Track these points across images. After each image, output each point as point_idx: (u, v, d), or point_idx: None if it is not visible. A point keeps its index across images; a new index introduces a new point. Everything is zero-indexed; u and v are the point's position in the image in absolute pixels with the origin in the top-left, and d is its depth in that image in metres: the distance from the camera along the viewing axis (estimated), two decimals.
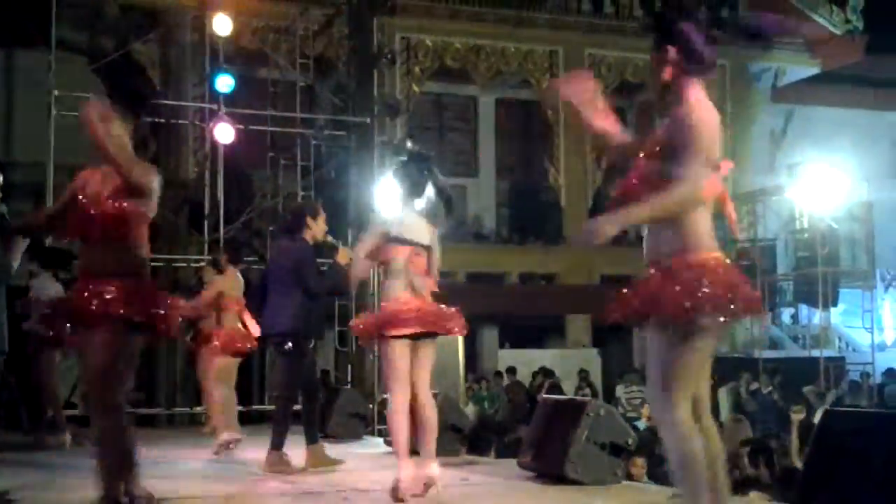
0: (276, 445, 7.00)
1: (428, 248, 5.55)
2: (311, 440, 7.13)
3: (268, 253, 10.24)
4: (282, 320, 7.00)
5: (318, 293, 6.96)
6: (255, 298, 7.74)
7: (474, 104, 22.12)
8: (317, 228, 7.07)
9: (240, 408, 8.78)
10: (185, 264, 13.81)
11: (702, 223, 3.55)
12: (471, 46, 19.86)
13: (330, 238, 7.27)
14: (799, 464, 7.48)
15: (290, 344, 6.91)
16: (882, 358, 19.29)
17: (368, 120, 13.48)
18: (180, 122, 15.21)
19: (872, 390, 17.52)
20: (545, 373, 16.97)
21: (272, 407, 8.24)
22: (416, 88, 19.43)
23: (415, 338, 5.42)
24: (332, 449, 7.54)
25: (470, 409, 14.02)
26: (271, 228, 15.06)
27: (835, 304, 17.88)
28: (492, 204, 21.94)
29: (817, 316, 18.08)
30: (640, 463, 7.92)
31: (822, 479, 4.26)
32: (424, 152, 5.83)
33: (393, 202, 5.68)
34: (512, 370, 17.43)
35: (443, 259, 5.74)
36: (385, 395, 11.07)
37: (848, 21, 21.58)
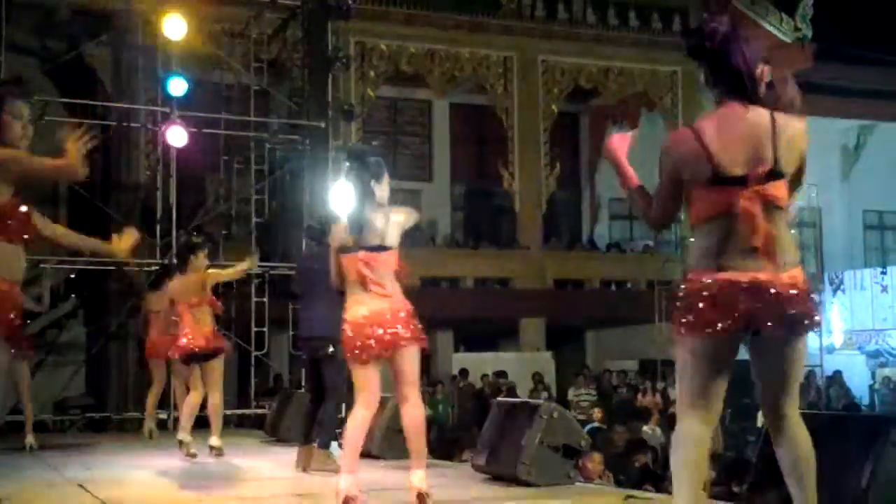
0: (325, 445, 7.15)
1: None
2: (324, 444, 7.18)
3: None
4: (319, 325, 7.04)
5: None
6: (286, 303, 7.71)
7: (429, 109, 22.18)
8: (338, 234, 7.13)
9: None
10: (136, 268, 13.68)
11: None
12: (425, 51, 19.91)
13: None
14: None
15: (331, 348, 6.95)
16: (830, 360, 19.62)
17: (323, 124, 13.45)
18: (132, 125, 15.08)
19: (820, 392, 17.82)
20: (499, 375, 17.12)
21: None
22: (370, 93, 19.43)
23: None
24: (286, 453, 7.54)
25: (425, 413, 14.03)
26: (224, 233, 15.02)
27: None
28: (446, 208, 22.02)
29: None
30: (597, 459, 8.00)
31: (769, 480, 4.33)
32: (365, 153, 5.63)
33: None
34: (464, 373, 17.50)
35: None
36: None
37: (797, 29, 21.92)
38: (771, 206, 3.42)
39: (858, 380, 20.29)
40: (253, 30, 14.83)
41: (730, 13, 21.42)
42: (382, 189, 5.36)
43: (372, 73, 19.45)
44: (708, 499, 6.97)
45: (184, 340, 8.11)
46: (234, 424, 12.36)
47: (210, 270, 8.40)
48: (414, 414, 5.29)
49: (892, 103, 24.80)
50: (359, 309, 5.26)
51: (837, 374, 19.22)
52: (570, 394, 16.93)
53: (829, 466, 4.25)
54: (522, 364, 18.64)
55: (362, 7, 18.00)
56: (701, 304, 3.44)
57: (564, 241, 22.52)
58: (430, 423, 12.40)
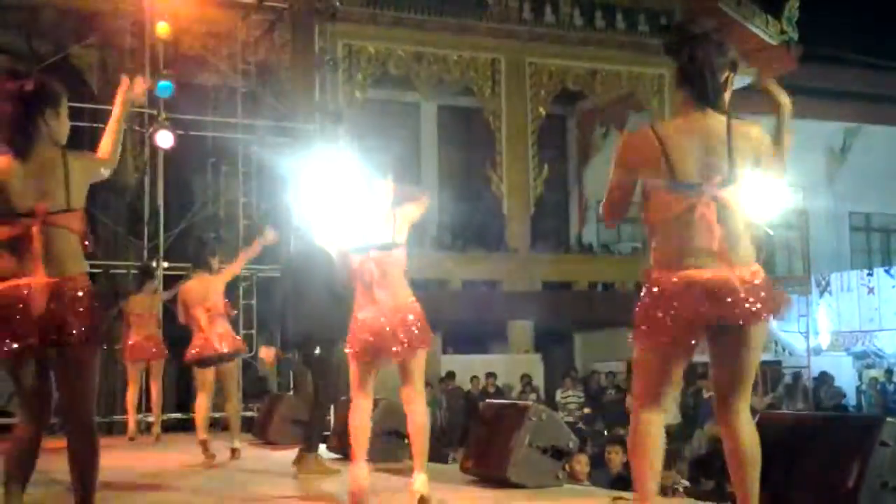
0: (312, 448, 7.11)
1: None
2: (312, 448, 7.15)
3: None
4: (310, 326, 6.98)
5: (343, 294, 6.96)
6: (275, 306, 7.69)
7: (417, 111, 22.17)
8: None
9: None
10: (123, 271, 13.65)
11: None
12: (413, 54, 19.91)
13: None
14: None
15: (318, 349, 6.92)
16: (817, 361, 19.70)
17: (311, 126, 13.44)
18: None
19: (807, 393, 17.89)
20: (489, 376, 17.16)
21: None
22: (358, 95, 19.42)
23: None
24: (273, 456, 7.53)
25: None
26: (213, 235, 14.97)
27: None
28: (434, 210, 21.98)
29: None
30: (583, 461, 8.02)
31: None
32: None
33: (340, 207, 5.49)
34: (451, 375, 17.50)
35: None
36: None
37: (783, 32, 21.99)
38: (725, 210, 3.56)
39: (845, 381, 20.38)
40: (240, 32, 14.81)
41: (712, 16, 21.54)
42: (388, 186, 5.40)
43: (360, 76, 19.44)
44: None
45: (199, 345, 8.12)
46: (221, 427, 12.34)
47: (226, 270, 8.43)
48: (414, 417, 5.31)
49: (877, 105, 24.94)
50: (365, 309, 5.27)
51: (827, 375, 19.31)
52: (558, 395, 16.96)
53: (818, 466, 4.27)
54: (511, 366, 18.66)
55: (350, 9, 18.00)
56: (663, 304, 3.56)
57: (552, 243, 22.55)
58: None
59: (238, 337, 8.61)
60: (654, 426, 3.63)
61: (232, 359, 8.28)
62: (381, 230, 5.31)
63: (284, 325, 7.34)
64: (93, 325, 3.97)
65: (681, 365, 3.68)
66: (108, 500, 5.97)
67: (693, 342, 3.61)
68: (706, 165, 3.56)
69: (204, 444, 8.13)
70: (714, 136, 3.58)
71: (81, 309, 3.94)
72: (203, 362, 8.15)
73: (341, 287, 6.17)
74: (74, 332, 3.90)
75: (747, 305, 3.50)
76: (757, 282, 3.57)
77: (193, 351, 8.11)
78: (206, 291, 8.16)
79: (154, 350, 10.67)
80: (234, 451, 8.32)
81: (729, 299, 3.50)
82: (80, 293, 3.97)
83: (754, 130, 3.65)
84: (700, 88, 3.62)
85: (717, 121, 3.60)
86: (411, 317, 5.24)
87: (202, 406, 8.24)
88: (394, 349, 5.19)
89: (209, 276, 8.24)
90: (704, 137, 3.58)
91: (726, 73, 3.65)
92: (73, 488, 4.06)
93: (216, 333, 8.08)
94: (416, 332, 5.23)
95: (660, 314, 3.56)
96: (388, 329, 5.19)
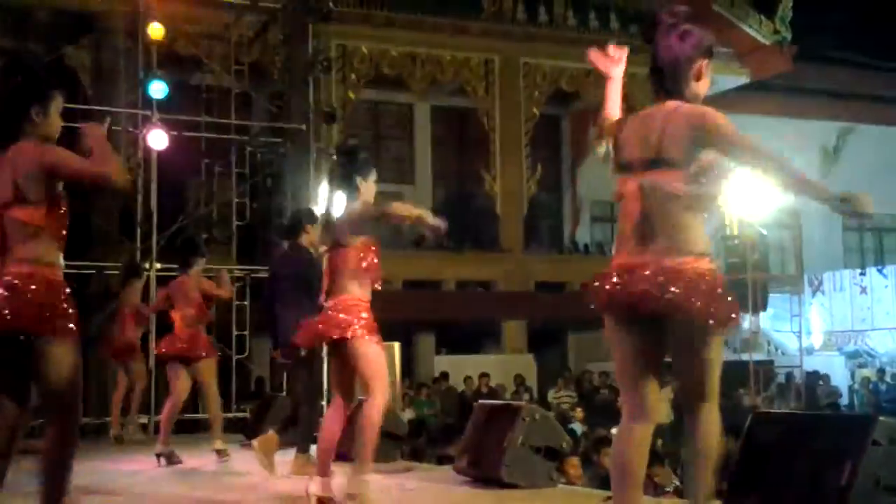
0: (303, 449, 7.06)
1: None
2: (302, 449, 7.14)
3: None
4: (292, 328, 6.99)
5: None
6: (263, 309, 7.76)
7: (410, 112, 22.17)
8: (315, 234, 7.08)
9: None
10: (116, 272, 13.62)
11: None
12: (407, 54, 19.91)
13: None
14: None
15: (304, 352, 6.92)
16: (810, 361, 19.73)
17: (304, 127, 13.42)
18: (112, 127, 15.03)
19: (800, 392, 17.92)
20: (483, 377, 17.16)
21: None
22: (352, 95, 19.41)
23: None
24: None
25: (407, 416, 14.04)
26: (204, 237, 14.95)
27: (764, 309, 18.26)
28: (428, 211, 21.96)
29: (747, 320, 18.44)
30: (575, 463, 8.01)
31: (751, 480, 4.35)
32: (355, 149, 5.65)
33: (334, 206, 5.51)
34: (444, 376, 17.50)
35: (380, 266, 5.56)
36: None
37: (777, 31, 22.04)
38: (654, 192, 3.45)
39: (838, 380, 20.42)
40: (234, 32, 14.78)
41: (705, 16, 21.56)
42: (368, 187, 5.37)
43: (353, 76, 19.44)
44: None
45: (168, 342, 8.21)
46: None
47: (205, 284, 8.50)
48: (361, 413, 5.18)
49: (870, 105, 24.98)
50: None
51: (822, 373, 19.34)
52: (551, 395, 16.96)
53: (811, 465, 4.28)
54: (504, 366, 18.64)
55: (343, 10, 18.01)
56: (602, 293, 3.54)
57: (546, 243, 22.55)
58: (417, 425, 12.47)
59: (207, 341, 8.50)
60: (635, 440, 3.50)
61: (199, 358, 8.15)
62: (337, 230, 5.31)
63: (274, 326, 7.37)
64: (57, 315, 3.81)
65: (644, 364, 3.52)
66: (95, 501, 5.97)
67: (642, 332, 3.47)
68: (639, 147, 3.53)
69: (168, 456, 8.03)
70: (655, 119, 3.53)
71: (42, 299, 3.79)
72: (171, 359, 8.16)
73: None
74: (36, 322, 3.76)
75: (663, 299, 3.33)
76: (678, 278, 3.36)
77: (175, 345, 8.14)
78: (187, 293, 8.21)
79: (126, 350, 10.67)
80: (219, 453, 8.12)
81: (641, 287, 3.38)
82: (43, 283, 3.81)
83: (702, 114, 3.48)
84: (661, 78, 3.62)
85: (665, 105, 3.56)
86: (346, 316, 5.13)
87: (171, 412, 8.13)
88: (327, 345, 5.25)
89: (193, 279, 8.29)
90: (648, 121, 3.56)
91: (699, 61, 3.60)
92: (40, 489, 3.90)
93: (190, 335, 8.10)
94: (357, 331, 5.11)
95: (604, 301, 3.54)
96: (323, 327, 5.20)
